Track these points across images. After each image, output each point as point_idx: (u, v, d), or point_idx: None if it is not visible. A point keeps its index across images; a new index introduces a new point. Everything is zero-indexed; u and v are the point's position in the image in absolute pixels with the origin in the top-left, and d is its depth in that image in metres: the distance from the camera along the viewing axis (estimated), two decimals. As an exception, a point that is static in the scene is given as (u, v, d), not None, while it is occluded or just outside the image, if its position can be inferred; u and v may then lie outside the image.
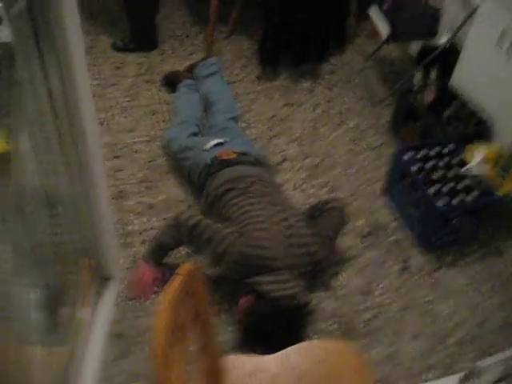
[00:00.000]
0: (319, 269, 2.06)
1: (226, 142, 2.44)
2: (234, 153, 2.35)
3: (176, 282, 1.18)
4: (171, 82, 3.06)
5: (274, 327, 1.86)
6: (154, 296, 2.10)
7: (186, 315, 1.19)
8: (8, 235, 1.35)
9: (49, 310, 1.53)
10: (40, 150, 1.48)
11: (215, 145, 2.41)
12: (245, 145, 2.49)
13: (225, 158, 2.31)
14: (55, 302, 1.61)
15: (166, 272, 2.14)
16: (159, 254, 2.15)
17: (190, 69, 3.07)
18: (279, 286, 1.90)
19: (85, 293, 1.84)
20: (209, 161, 2.32)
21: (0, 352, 1.23)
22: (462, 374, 1.52)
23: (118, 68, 3.22)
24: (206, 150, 2.39)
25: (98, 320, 1.89)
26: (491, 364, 1.51)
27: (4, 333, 1.25)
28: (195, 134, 2.64)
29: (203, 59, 3.09)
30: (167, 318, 1.06)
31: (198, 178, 2.37)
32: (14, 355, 1.29)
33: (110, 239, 1.86)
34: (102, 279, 2.00)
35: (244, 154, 2.37)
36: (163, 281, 2.12)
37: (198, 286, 1.29)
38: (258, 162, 2.37)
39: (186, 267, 1.22)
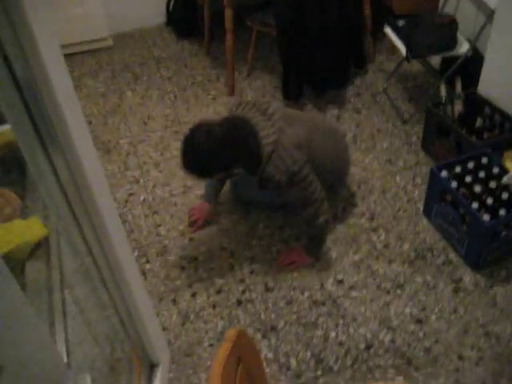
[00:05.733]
0: None
1: None
2: None
3: (224, 349, 1.18)
4: None
5: None
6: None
7: (239, 380, 1.19)
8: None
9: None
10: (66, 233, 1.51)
11: None
12: None
13: None
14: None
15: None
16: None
17: None
18: None
19: (136, 377, 1.83)
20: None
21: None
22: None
23: (145, 123, 3.29)
24: None
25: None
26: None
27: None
28: None
29: None
30: (219, 384, 1.06)
31: None
32: None
33: (151, 326, 1.82)
34: (151, 365, 1.99)
35: None
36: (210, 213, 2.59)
37: (247, 349, 1.28)
38: None
39: (231, 333, 1.22)
